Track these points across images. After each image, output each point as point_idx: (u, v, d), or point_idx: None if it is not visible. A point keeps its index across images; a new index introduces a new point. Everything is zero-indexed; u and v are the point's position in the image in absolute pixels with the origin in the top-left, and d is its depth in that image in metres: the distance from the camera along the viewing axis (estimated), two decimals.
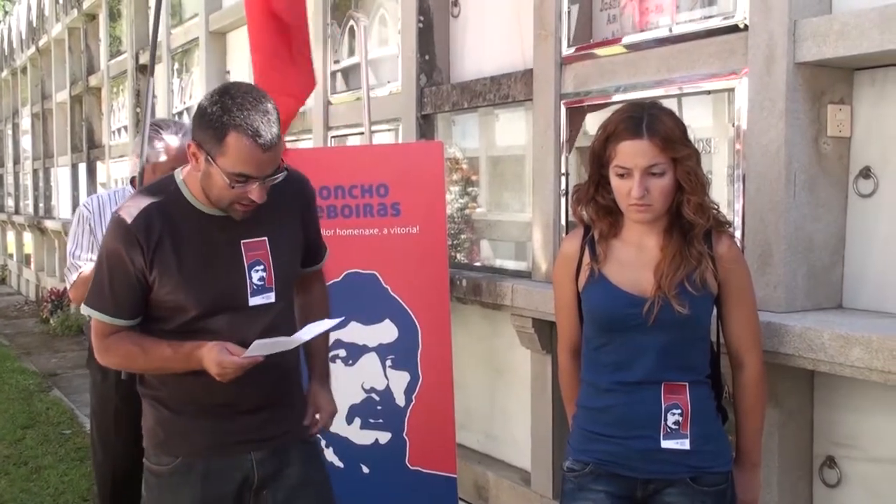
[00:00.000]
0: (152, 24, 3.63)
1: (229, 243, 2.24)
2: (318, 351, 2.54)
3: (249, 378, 2.20)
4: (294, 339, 2.19)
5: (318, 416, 2.46)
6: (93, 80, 11.21)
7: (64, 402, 7.14)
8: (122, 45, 9.99)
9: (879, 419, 2.66)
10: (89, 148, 11.26)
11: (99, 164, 10.92)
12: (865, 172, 2.72)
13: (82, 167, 11.45)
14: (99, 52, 11.01)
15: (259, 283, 2.25)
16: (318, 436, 2.54)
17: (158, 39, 8.73)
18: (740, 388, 2.31)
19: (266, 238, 2.27)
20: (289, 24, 3.65)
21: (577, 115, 3.54)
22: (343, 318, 2.51)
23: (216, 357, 2.11)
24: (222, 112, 2.07)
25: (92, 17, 11.30)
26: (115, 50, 10.27)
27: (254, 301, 2.24)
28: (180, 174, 2.28)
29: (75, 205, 11.62)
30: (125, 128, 9.74)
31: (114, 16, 10.33)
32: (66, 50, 12.10)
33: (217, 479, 2.28)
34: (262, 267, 2.25)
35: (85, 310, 2.28)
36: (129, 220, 2.18)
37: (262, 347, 2.12)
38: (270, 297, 2.26)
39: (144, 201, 2.23)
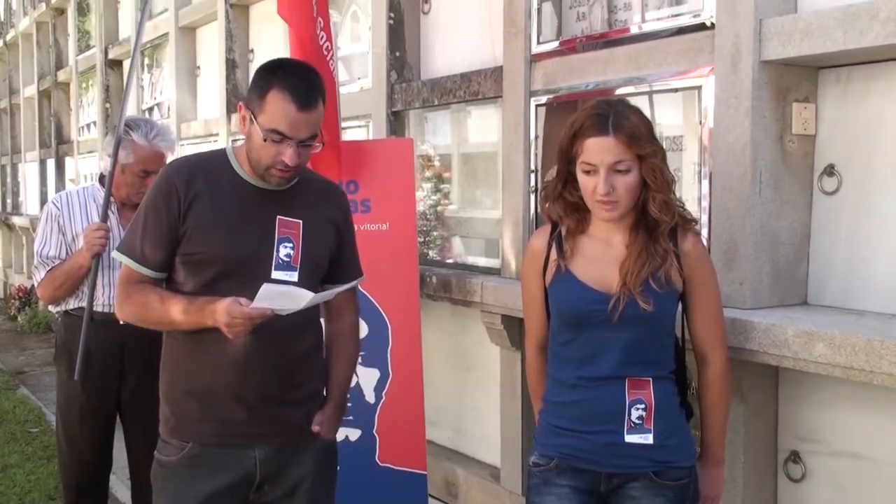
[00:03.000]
0: (136, 19, 3.60)
1: (265, 214, 2.30)
2: (338, 382, 2.52)
3: (257, 362, 2.25)
4: (304, 294, 2.14)
5: (318, 427, 2.43)
6: (61, 76, 11.10)
7: (31, 401, 7.07)
8: (91, 39, 9.89)
9: (842, 414, 2.69)
10: (58, 143, 11.15)
11: (67, 160, 10.82)
12: (830, 170, 2.75)
13: (51, 163, 11.34)
14: (67, 46, 10.90)
15: (285, 258, 2.29)
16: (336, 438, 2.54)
17: (126, 35, 8.65)
18: (705, 384, 2.33)
19: (301, 222, 2.32)
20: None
21: (546, 113, 3.55)
22: (357, 280, 2.51)
23: (227, 307, 2.13)
24: (270, 75, 2.22)
25: (60, 12, 11.18)
26: (84, 45, 10.16)
27: (276, 274, 2.28)
28: (232, 146, 2.39)
29: (43, 200, 11.51)
30: (94, 123, 9.65)
31: (83, 10, 10.22)
32: (35, 44, 11.98)
33: (220, 473, 2.30)
34: (290, 245, 2.30)
35: (115, 254, 2.39)
36: (173, 172, 2.30)
37: (270, 294, 2.10)
38: (293, 276, 2.29)
39: (193, 159, 2.40)
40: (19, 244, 12.99)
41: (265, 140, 2.19)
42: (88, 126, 10.06)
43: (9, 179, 13.91)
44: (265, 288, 2.09)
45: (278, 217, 2.31)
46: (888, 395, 2.47)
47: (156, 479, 2.40)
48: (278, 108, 2.17)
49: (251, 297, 2.11)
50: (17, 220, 12.39)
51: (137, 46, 3.77)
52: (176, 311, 2.25)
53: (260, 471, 2.33)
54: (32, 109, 12.35)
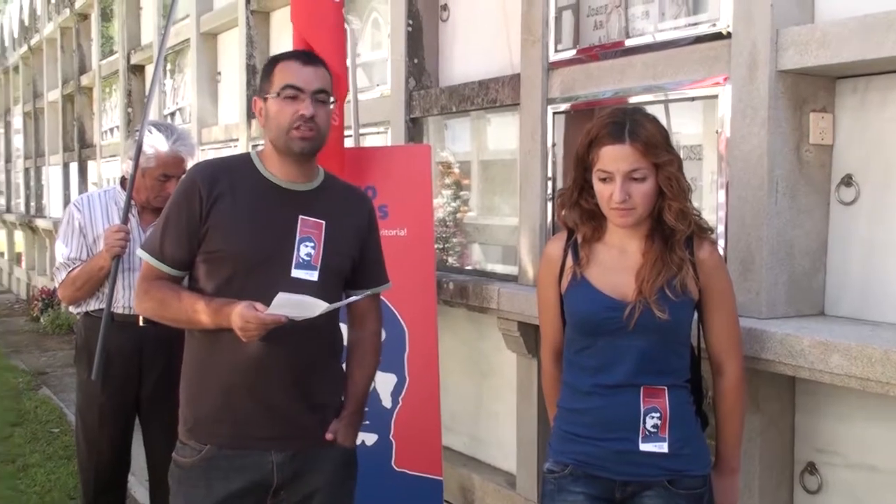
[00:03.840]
0: (159, 25, 3.66)
1: (287, 214, 2.33)
2: (355, 390, 2.53)
3: (273, 365, 2.28)
4: (319, 304, 2.16)
5: (332, 436, 2.44)
6: (84, 80, 11.21)
7: (53, 401, 7.14)
8: (113, 44, 9.99)
9: (859, 426, 2.68)
10: (81, 147, 11.25)
11: (90, 164, 10.92)
12: (847, 180, 2.75)
13: (74, 166, 11.44)
14: (91, 51, 11.01)
15: (306, 257, 2.32)
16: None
17: (148, 40, 8.73)
18: (720, 393, 2.33)
19: (323, 222, 2.35)
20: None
21: (564, 120, 3.56)
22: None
23: (241, 310, 2.16)
24: (272, 59, 2.41)
25: (84, 17, 11.30)
26: (107, 50, 10.26)
27: (296, 273, 2.30)
28: (255, 150, 2.47)
29: (66, 204, 11.62)
30: (117, 127, 9.73)
31: (106, 16, 10.33)
32: (59, 49, 12.11)
33: (237, 476, 2.32)
34: (312, 244, 2.33)
35: (138, 251, 2.45)
36: (196, 174, 2.37)
37: (285, 303, 2.13)
38: (313, 275, 2.31)
39: (216, 162, 2.50)
40: (42, 246, 13.11)
41: (281, 98, 2.29)
42: (111, 130, 10.15)
43: (32, 182, 14.05)
44: (280, 296, 2.12)
45: (300, 217, 2.33)
46: None
47: (172, 480, 2.42)
48: (285, 70, 2.33)
49: (271, 297, 2.13)
50: (40, 223, 12.52)
51: (161, 52, 3.81)
52: (194, 310, 2.28)
53: (277, 475, 2.34)
54: (56, 113, 12.48)
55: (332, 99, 2.37)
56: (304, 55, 2.41)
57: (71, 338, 10.00)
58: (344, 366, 2.55)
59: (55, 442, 5.95)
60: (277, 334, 2.21)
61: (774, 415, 2.78)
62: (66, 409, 6.78)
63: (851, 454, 2.70)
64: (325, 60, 3.42)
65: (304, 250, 2.32)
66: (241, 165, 2.41)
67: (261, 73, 2.42)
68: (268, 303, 2.15)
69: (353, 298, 2.31)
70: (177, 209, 2.34)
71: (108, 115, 10.28)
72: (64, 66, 11.97)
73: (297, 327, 2.21)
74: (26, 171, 14.45)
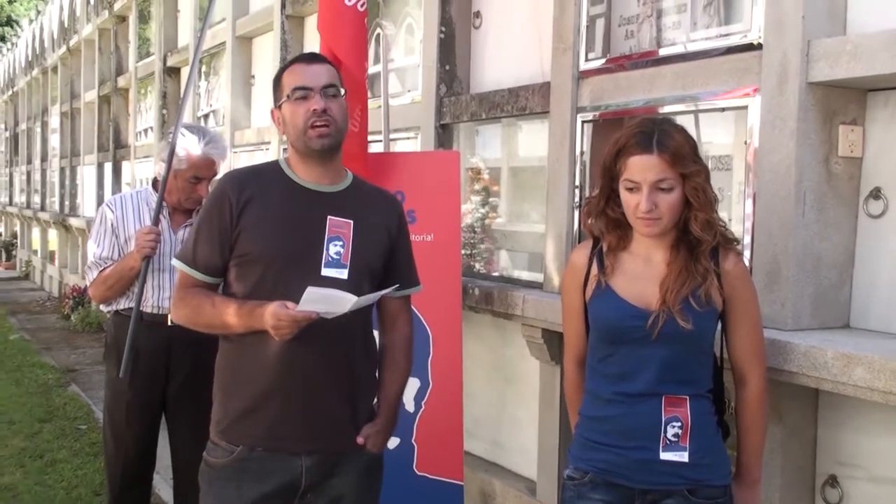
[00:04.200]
0: (195, 27, 3.73)
1: (316, 215, 2.38)
2: (387, 395, 2.54)
3: (304, 367, 2.31)
4: (348, 297, 2.18)
5: (364, 440, 2.45)
6: (121, 81, 11.36)
7: (81, 398, 7.24)
8: (150, 46, 10.12)
9: (882, 439, 2.66)
10: (115, 148, 11.40)
11: (124, 164, 11.06)
12: (876, 193, 2.74)
13: (108, 166, 11.59)
14: (128, 53, 11.16)
15: (335, 256, 2.35)
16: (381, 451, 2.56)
17: (185, 43, 8.82)
18: (742, 404, 2.33)
19: (352, 222, 2.39)
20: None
21: (593, 129, 3.58)
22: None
23: (273, 309, 2.19)
24: (279, 70, 2.48)
25: (122, 19, 11.47)
26: (143, 52, 10.40)
27: (326, 272, 2.33)
28: (283, 156, 2.54)
29: (100, 203, 11.77)
30: (151, 128, 9.85)
31: (144, 18, 10.47)
32: (96, 50, 12.28)
33: (267, 478, 2.34)
34: (341, 243, 2.36)
35: (173, 261, 2.51)
36: (226, 181, 2.44)
37: (316, 297, 2.15)
38: (343, 274, 2.34)
39: (245, 170, 2.57)
40: (75, 245, 13.28)
41: (292, 101, 2.36)
42: (146, 131, 10.28)
43: (67, 182, 14.24)
44: (310, 291, 2.14)
45: (329, 217, 2.37)
46: None
47: (203, 480, 2.44)
48: (292, 73, 2.41)
49: (299, 299, 2.16)
50: (73, 222, 12.69)
51: (197, 54, 3.87)
52: (227, 314, 2.32)
53: (306, 478, 2.36)
54: (92, 114, 12.65)
55: (342, 91, 2.42)
56: (307, 56, 2.50)
57: (100, 336, 10.14)
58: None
59: (82, 438, 6.04)
60: (310, 336, 2.23)
61: (796, 427, 2.77)
62: (93, 406, 6.88)
63: (873, 467, 2.69)
64: (340, 62, 3.50)
65: (334, 249, 2.35)
66: (269, 171, 2.47)
67: (272, 86, 2.49)
68: (298, 302, 2.18)
69: (383, 291, 2.33)
70: (208, 217, 2.40)
71: (143, 117, 10.41)
72: (101, 67, 12.14)
73: (330, 330, 2.24)
74: (62, 170, 14.65)
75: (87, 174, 12.89)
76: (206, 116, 8.34)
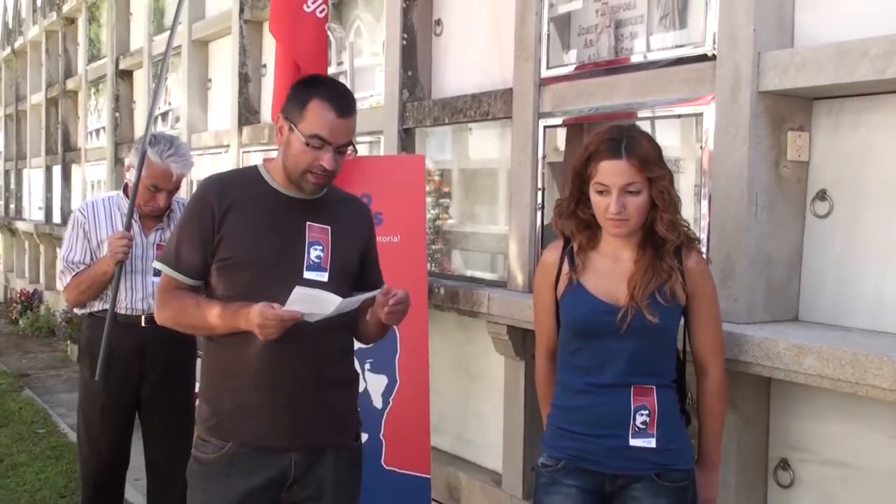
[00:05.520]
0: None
1: (295, 221, 2.44)
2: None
3: (290, 364, 2.38)
4: (333, 299, 2.26)
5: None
6: (70, 84, 11.21)
7: (36, 402, 7.18)
8: (101, 48, 10.03)
9: (830, 424, 2.85)
10: (65, 151, 11.25)
11: (74, 167, 10.92)
12: (822, 195, 2.92)
13: (57, 169, 11.43)
14: (77, 55, 11.03)
15: (316, 259, 2.43)
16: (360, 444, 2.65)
17: (138, 46, 8.74)
18: (703, 394, 2.49)
19: (329, 228, 2.47)
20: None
21: (554, 134, 3.72)
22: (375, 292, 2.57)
23: (260, 309, 2.25)
24: (309, 87, 2.41)
25: (71, 21, 11.31)
26: (93, 54, 10.29)
27: (308, 274, 2.41)
28: (262, 163, 2.57)
29: (47, 206, 11.62)
30: (103, 128, 9.75)
31: (94, 20, 10.35)
32: (43, 52, 12.08)
33: (256, 473, 2.40)
34: (320, 247, 2.44)
35: (155, 263, 2.58)
36: (207, 187, 2.48)
37: (303, 297, 2.22)
38: (324, 277, 2.42)
39: (225, 175, 2.62)
40: (21, 249, 13.08)
41: (307, 145, 2.34)
42: (97, 132, 10.16)
43: (13, 185, 14.00)
44: (297, 290, 2.22)
45: (308, 223, 2.45)
46: (873, 406, 2.63)
47: (191, 476, 2.49)
48: (319, 116, 2.34)
49: (285, 298, 2.23)
50: (19, 225, 12.48)
51: (167, 59, 3.91)
52: (211, 315, 2.38)
53: (294, 471, 2.43)
54: (39, 116, 12.43)
55: (352, 147, 2.44)
56: (343, 104, 2.37)
57: (52, 341, 10.06)
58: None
59: (41, 442, 6.00)
60: (294, 335, 2.30)
61: (751, 414, 2.94)
62: (50, 410, 6.84)
63: (823, 451, 2.87)
64: (300, 68, 3.57)
65: (314, 253, 2.43)
66: (249, 177, 2.51)
67: (291, 94, 2.42)
68: (283, 304, 2.25)
69: (365, 295, 2.41)
70: (190, 221, 2.44)
71: (94, 119, 10.31)
72: (49, 69, 11.96)
73: (312, 328, 2.31)
74: (6, 173, 14.40)
75: (33, 177, 12.68)
76: (163, 115, 8.24)
